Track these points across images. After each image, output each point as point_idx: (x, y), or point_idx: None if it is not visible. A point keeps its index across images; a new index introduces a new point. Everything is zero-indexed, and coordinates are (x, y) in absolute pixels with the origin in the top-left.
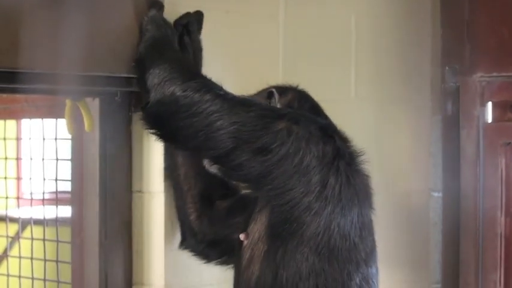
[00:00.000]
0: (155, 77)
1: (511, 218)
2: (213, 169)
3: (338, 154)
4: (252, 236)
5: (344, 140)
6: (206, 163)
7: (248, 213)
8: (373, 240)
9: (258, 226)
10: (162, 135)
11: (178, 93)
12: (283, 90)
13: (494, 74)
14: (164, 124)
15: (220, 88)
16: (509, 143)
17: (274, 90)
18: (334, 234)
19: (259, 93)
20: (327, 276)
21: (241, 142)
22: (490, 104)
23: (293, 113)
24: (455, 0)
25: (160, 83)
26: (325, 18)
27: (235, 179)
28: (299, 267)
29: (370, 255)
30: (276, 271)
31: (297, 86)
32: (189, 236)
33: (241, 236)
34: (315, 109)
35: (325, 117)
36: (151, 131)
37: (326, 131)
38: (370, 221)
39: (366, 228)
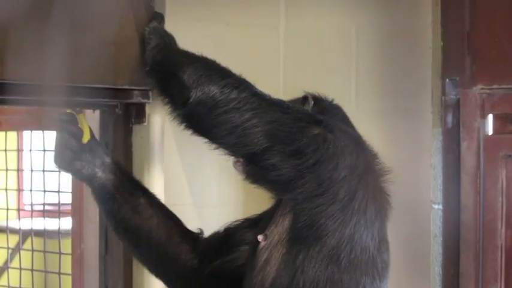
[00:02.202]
0: (191, 75)
1: None
2: (238, 168)
3: (368, 168)
4: (272, 238)
5: (373, 155)
6: (233, 161)
7: (268, 216)
8: (388, 257)
9: (279, 229)
10: (198, 131)
11: (216, 90)
12: (317, 99)
13: (495, 86)
14: (201, 120)
15: (256, 87)
16: (510, 155)
17: (309, 96)
18: (356, 246)
19: (294, 100)
20: (344, 287)
21: (276, 142)
22: (490, 116)
23: (329, 121)
24: (455, 12)
25: (199, 80)
26: (326, 29)
27: (264, 180)
28: (318, 274)
29: (384, 271)
30: (293, 274)
31: (332, 100)
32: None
33: (260, 237)
34: (347, 123)
35: (356, 131)
36: (187, 124)
37: (359, 143)
38: (387, 238)
39: (384, 243)
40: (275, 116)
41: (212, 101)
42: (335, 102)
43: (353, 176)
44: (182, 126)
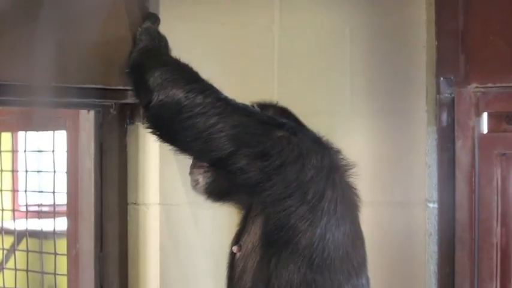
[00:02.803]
0: (157, 78)
1: (507, 228)
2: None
3: (334, 167)
4: (246, 247)
5: (337, 153)
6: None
7: (241, 225)
8: (364, 252)
9: (252, 237)
10: (164, 136)
11: (181, 95)
12: (263, 106)
13: (489, 84)
14: (166, 124)
15: (221, 93)
16: (505, 153)
17: (255, 105)
18: (328, 245)
19: None
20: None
21: (242, 145)
22: (485, 115)
23: (291, 124)
24: (450, 11)
25: (163, 83)
26: (320, 29)
27: (234, 184)
28: (291, 277)
29: (361, 267)
30: (268, 281)
31: (277, 103)
32: None
33: (234, 249)
34: (300, 124)
35: (313, 131)
36: (153, 130)
37: (321, 144)
38: (361, 233)
39: (358, 240)
40: (240, 119)
41: (176, 106)
42: (280, 104)
43: (320, 176)
44: (149, 131)
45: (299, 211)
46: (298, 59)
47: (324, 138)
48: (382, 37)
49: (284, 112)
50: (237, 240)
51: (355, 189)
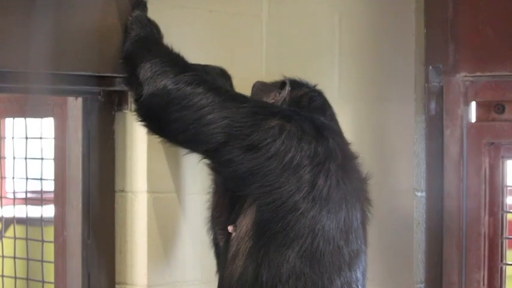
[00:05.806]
0: (147, 71)
1: (495, 217)
2: None
3: (330, 155)
4: (240, 230)
5: (340, 141)
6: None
7: (239, 206)
8: (361, 245)
9: (247, 221)
10: (154, 128)
11: (170, 86)
12: (297, 84)
13: (478, 73)
14: (156, 116)
15: (213, 82)
16: (493, 143)
17: (287, 81)
18: (318, 237)
19: (274, 82)
20: (307, 280)
21: (231, 137)
22: (473, 104)
23: (287, 110)
24: (439, 0)
25: (153, 76)
26: (309, 17)
27: (224, 176)
28: (279, 268)
29: (355, 260)
30: (257, 270)
31: (315, 86)
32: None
33: (230, 228)
34: (323, 109)
35: (331, 118)
36: (143, 123)
37: (320, 131)
38: (360, 225)
39: (353, 232)
40: (230, 111)
41: (166, 98)
42: (318, 87)
43: (313, 165)
44: (140, 124)
45: (289, 202)
46: (287, 47)
47: (329, 125)
48: (371, 25)
49: (314, 95)
50: (234, 219)
51: (360, 179)
